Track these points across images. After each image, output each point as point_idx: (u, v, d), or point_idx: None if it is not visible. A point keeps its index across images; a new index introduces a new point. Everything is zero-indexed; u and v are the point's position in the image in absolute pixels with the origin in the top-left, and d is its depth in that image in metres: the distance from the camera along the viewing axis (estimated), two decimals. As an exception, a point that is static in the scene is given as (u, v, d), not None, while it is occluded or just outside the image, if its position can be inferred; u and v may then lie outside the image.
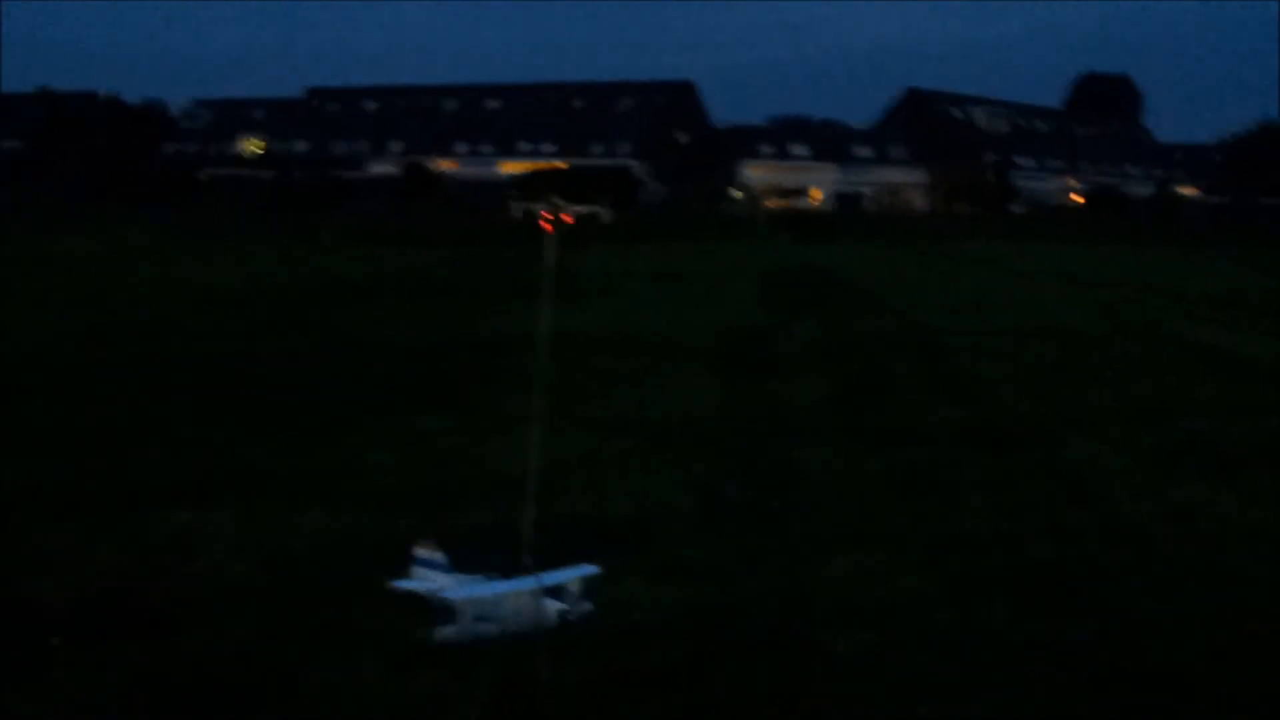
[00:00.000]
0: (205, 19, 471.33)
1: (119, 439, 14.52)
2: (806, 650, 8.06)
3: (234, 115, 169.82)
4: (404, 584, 8.01)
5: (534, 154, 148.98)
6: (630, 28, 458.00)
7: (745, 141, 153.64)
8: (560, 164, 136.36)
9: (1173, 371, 21.62)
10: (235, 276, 42.40)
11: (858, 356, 23.19)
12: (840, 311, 31.83)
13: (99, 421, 15.60)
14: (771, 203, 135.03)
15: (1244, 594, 9.43)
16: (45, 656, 7.66)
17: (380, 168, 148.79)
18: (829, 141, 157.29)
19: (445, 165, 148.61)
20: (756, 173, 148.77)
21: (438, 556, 7.94)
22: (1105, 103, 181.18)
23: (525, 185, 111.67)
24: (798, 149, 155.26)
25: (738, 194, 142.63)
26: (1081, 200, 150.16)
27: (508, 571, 7.90)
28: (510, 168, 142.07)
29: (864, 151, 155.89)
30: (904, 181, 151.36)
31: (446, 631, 7.69)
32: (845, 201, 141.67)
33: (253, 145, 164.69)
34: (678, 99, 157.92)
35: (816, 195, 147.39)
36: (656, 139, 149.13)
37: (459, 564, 7.98)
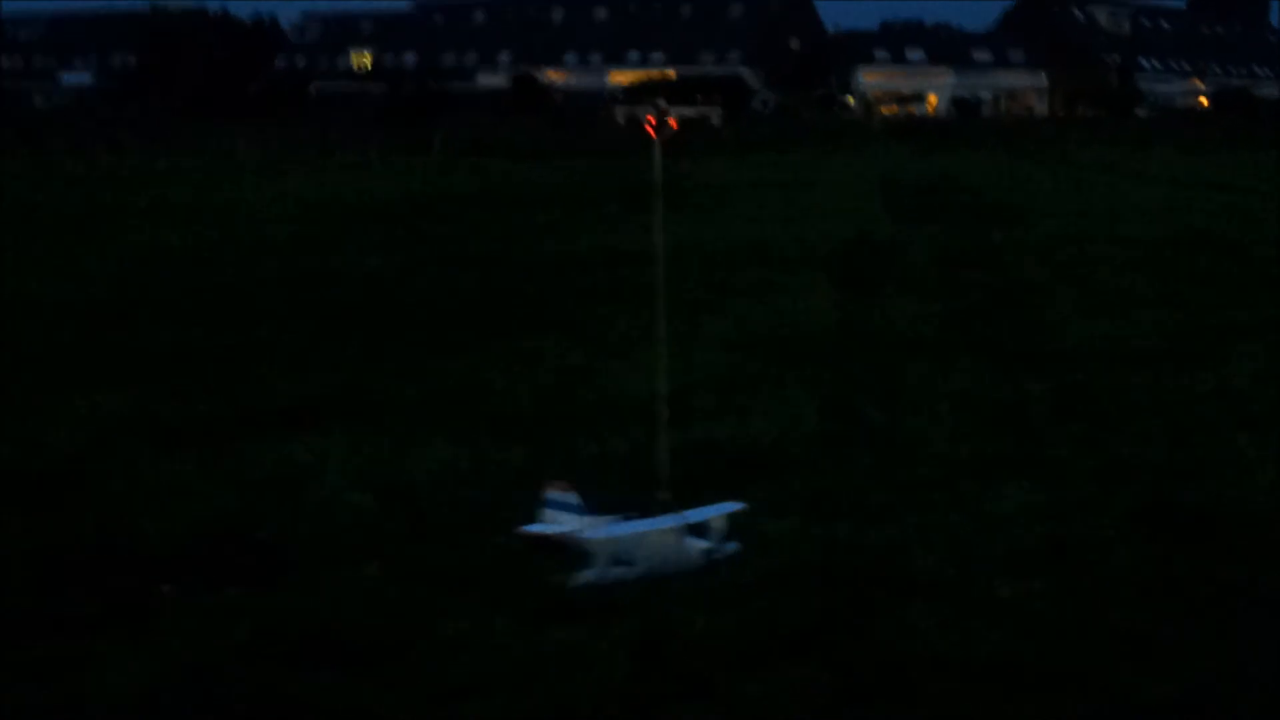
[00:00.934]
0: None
1: (228, 361, 14.07)
2: (978, 598, 7.25)
3: (342, 28, 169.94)
4: (534, 528, 7.36)
5: (643, 63, 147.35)
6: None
7: (859, 47, 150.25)
8: (670, 72, 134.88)
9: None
10: (346, 191, 42.22)
11: (990, 269, 22.14)
12: (966, 222, 30.57)
13: (208, 344, 15.21)
14: (887, 109, 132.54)
15: None
16: (155, 606, 7.12)
17: (489, 79, 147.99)
18: (945, 45, 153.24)
19: (554, 76, 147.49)
20: (871, 79, 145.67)
21: (570, 498, 7.28)
22: (1231, 1, 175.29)
23: (634, 94, 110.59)
24: (913, 54, 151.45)
25: (852, 101, 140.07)
26: (1207, 103, 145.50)
27: (644, 508, 7.24)
28: (620, 78, 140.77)
29: (982, 55, 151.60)
30: (1024, 86, 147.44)
31: (583, 576, 7.05)
32: (963, 107, 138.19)
33: (362, 59, 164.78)
34: (789, 5, 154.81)
35: (933, 101, 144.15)
36: (768, 46, 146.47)
37: (590, 501, 7.33)
